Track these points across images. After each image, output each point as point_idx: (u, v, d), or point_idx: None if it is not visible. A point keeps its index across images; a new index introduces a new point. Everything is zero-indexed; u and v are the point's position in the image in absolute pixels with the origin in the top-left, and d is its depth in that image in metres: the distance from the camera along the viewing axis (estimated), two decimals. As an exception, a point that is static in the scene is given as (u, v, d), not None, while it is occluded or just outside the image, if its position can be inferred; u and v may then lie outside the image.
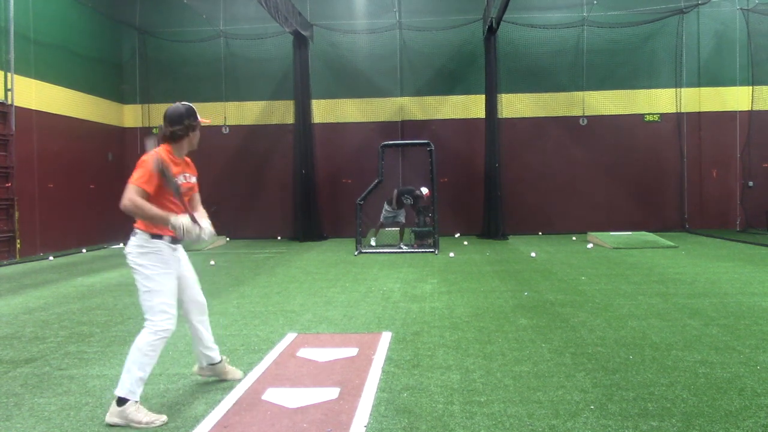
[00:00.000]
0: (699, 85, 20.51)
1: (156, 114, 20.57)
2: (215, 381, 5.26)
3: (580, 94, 20.81)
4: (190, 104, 4.79)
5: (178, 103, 4.80)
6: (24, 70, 16.25)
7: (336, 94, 21.20)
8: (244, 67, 21.31)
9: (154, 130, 20.13)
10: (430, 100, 21.20)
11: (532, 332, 6.80)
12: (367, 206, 16.74)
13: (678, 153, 20.68)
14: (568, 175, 20.75)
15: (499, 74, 19.71)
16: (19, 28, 16.03)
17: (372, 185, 16.28)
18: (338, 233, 20.53)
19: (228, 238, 20.14)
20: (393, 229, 17.63)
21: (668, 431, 4.06)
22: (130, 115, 21.57)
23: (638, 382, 5.04)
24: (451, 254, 14.76)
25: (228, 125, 21.46)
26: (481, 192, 19.95)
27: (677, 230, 20.20)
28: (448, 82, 21.19)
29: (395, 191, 16.64)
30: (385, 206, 16.65)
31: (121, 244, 16.29)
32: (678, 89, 20.55)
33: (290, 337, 6.78)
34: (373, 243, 16.88)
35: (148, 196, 4.40)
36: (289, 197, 20.31)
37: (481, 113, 20.16)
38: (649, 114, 20.78)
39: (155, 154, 4.50)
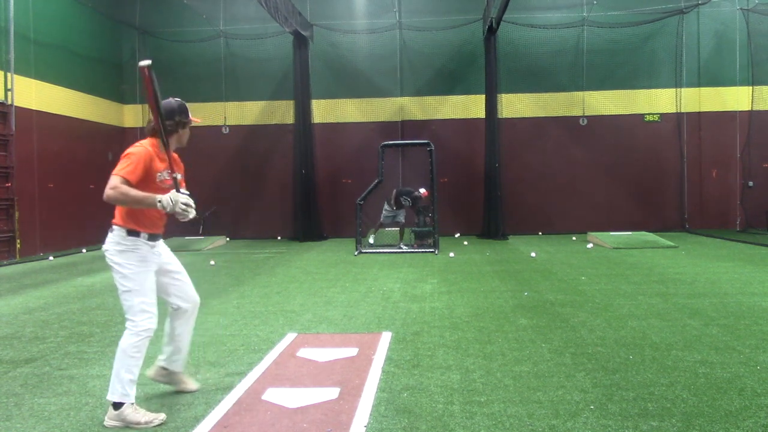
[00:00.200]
0: (699, 85, 20.52)
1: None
2: (214, 380, 5.25)
3: (580, 94, 20.82)
4: (183, 101, 4.75)
5: (170, 99, 4.77)
6: (24, 70, 16.25)
7: (336, 94, 21.21)
8: (244, 67, 21.32)
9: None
10: (430, 100, 21.21)
11: (532, 332, 6.80)
12: (367, 206, 16.74)
13: (678, 153, 20.68)
14: (568, 175, 20.76)
15: (499, 74, 19.72)
16: (19, 28, 16.03)
17: (372, 185, 16.28)
18: (338, 233, 20.53)
19: (228, 238, 20.13)
20: (393, 229, 17.63)
21: (668, 431, 4.06)
22: (130, 115, 21.58)
23: (638, 382, 5.04)
24: (452, 254, 14.77)
25: (228, 125, 21.47)
26: (481, 192, 19.95)
27: (677, 230, 20.20)
28: (448, 82, 21.19)
29: (394, 191, 16.64)
30: (385, 206, 16.65)
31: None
32: (678, 89, 20.55)
33: (290, 337, 6.78)
34: (371, 241, 16.86)
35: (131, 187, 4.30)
36: (289, 197, 20.31)
37: (481, 113, 20.17)
38: (649, 114, 20.78)
39: (142, 147, 4.45)
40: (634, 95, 20.76)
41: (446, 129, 20.97)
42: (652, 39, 20.50)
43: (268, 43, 20.92)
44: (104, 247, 4.50)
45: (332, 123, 21.22)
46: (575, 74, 20.81)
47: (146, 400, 4.74)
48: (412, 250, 15.89)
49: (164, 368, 4.90)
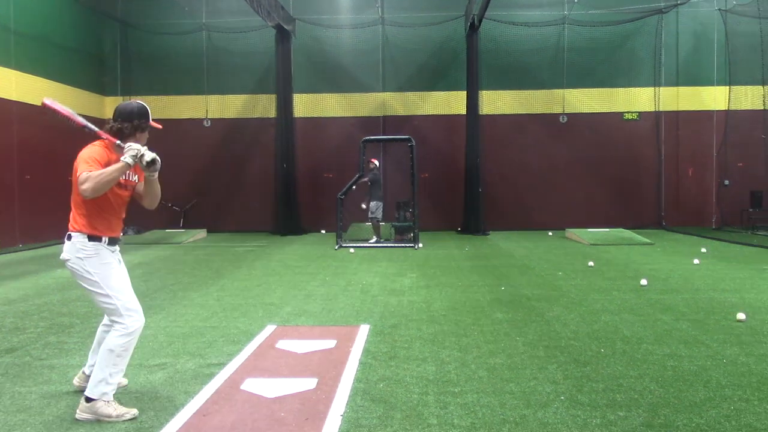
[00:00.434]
0: (677, 84, 20.79)
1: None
2: (194, 371, 5.33)
3: (560, 91, 21.02)
4: (145, 104, 4.60)
5: (132, 100, 4.67)
6: (4, 61, 16.15)
7: (318, 89, 21.24)
8: (227, 60, 21.29)
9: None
10: (412, 96, 21.31)
11: (507, 326, 6.94)
12: (348, 201, 16.81)
13: (656, 151, 20.96)
14: (547, 172, 20.95)
15: (481, 71, 19.86)
16: (0, 18, 15.92)
17: (353, 180, 16.35)
18: (319, 227, 20.59)
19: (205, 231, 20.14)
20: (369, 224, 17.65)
21: (634, 421, 4.20)
22: (111, 107, 21.35)
23: (608, 374, 5.18)
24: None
25: (209, 118, 21.44)
26: (462, 188, 20.10)
27: (654, 227, 20.47)
28: (430, 78, 21.31)
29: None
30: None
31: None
32: (657, 88, 20.82)
33: (270, 329, 6.86)
34: (373, 240, 16.76)
35: None
36: (270, 191, 20.34)
37: (462, 109, 20.31)
38: (628, 112, 21.03)
39: (93, 146, 4.40)
40: (613, 93, 20.99)
41: (427, 125, 21.09)
42: (631, 38, 20.74)
43: (251, 36, 20.91)
44: (63, 256, 4.40)
45: (314, 117, 21.26)
46: (556, 72, 21.00)
47: (125, 391, 4.80)
48: (381, 245, 15.95)
49: (87, 373, 4.79)
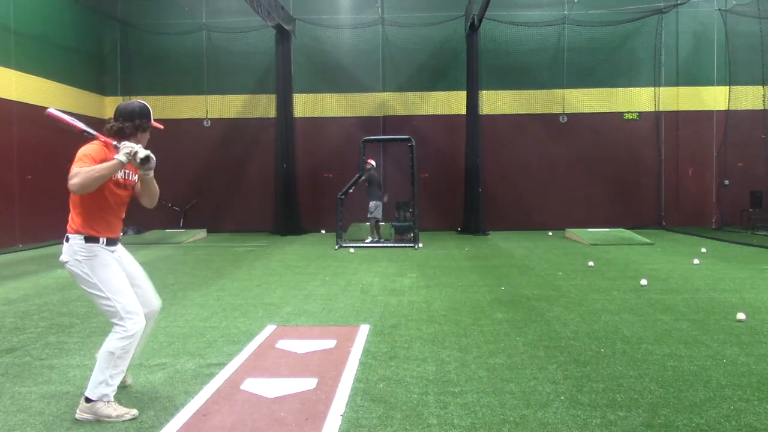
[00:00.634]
0: (677, 84, 20.80)
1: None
2: (194, 371, 5.33)
3: (560, 91, 21.02)
4: (146, 104, 4.59)
5: (133, 100, 4.64)
6: (4, 61, 16.15)
7: (318, 89, 21.24)
8: (227, 60, 21.29)
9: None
10: (412, 96, 21.32)
11: (507, 326, 6.94)
12: (348, 201, 16.81)
13: (656, 151, 20.96)
14: (547, 172, 20.96)
15: (481, 71, 19.87)
16: (0, 18, 15.92)
17: (353, 180, 16.35)
18: (319, 227, 20.59)
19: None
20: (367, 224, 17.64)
21: (634, 421, 4.20)
22: (111, 107, 21.42)
23: (608, 374, 5.18)
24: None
25: (209, 118, 21.44)
26: (462, 188, 20.10)
27: (654, 227, 20.48)
28: (430, 78, 21.31)
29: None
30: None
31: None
32: (657, 88, 20.82)
33: (270, 329, 6.86)
34: (369, 240, 16.76)
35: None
36: (270, 191, 20.35)
37: (462, 109, 20.31)
38: (628, 112, 21.04)
39: (93, 144, 4.38)
40: (613, 93, 20.99)
41: (427, 125, 21.09)
42: (631, 38, 20.75)
43: (251, 36, 20.91)
44: (62, 258, 4.38)
45: (314, 117, 21.26)
46: (556, 72, 21.01)
47: (125, 390, 4.80)
48: (378, 245, 15.97)
49: None
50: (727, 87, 20.22)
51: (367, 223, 17.49)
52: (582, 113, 21.02)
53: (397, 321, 7.22)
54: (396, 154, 20.01)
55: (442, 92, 21.24)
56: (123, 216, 4.59)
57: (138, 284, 4.64)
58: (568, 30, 20.80)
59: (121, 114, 4.47)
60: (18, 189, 16.54)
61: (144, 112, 4.52)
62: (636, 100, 20.97)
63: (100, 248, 4.34)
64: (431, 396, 4.70)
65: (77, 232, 4.32)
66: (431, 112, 21.28)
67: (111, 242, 4.43)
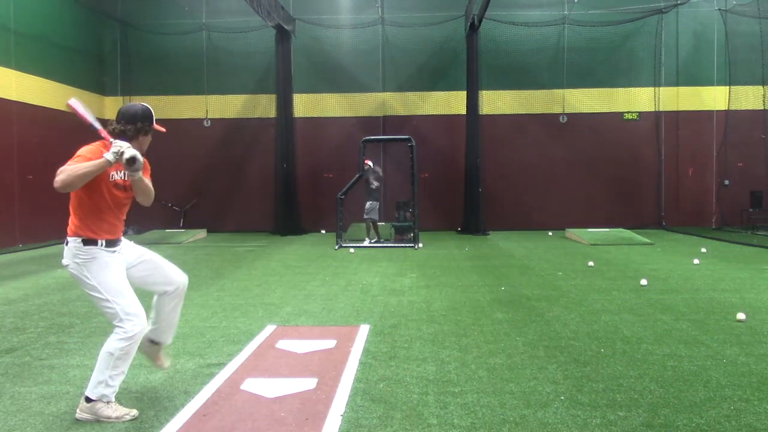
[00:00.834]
0: (677, 84, 20.80)
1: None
2: (194, 371, 5.33)
3: (560, 91, 21.02)
4: (148, 107, 4.55)
5: (136, 102, 4.62)
6: (4, 61, 16.15)
7: (318, 89, 21.24)
8: (227, 60, 21.29)
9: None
10: (412, 96, 21.32)
11: (507, 326, 6.94)
12: (348, 201, 16.80)
13: (656, 151, 20.96)
14: (547, 172, 20.95)
15: (481, 71, 19.86)
16: (0, 18, 15.92)
17: (353, 180, 16.35)
18: (319, 227, 20.59)
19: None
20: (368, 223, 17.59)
21: (634, 421, 4.20)
22: (111, 107, 21.42)
23: (608, 374, 5.18)
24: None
25: (209, 118, 21.44)
26: (462, 188, 20.10)
27: (654, 227, 20.47)
28: (430, 78, 21.32)
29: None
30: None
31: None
32: (657, 88, 20.82)
33: (270, 329, 6.86)
34: (367, 242, 16.68)
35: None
36: (270, 191, 20.35)
37: (462, 109, 20.31)
38: (628, 112, 21.04)
39: (92, 145, 4.35)
40: (613, 93, 20.99)
41: (427, 125, 21.09)
42: (631, 38, 20.75)
43: (251, 36, 20.90)
44: (63, 261, 4.37)
45: (314, 117, 21.26)
46: (556, 72, 21.01)
47: (126, 390, 4.79)
48: (381, 245, 15.96)
49: (150, 339, 4.78)
50: (727, 87, 20.22)
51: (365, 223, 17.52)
52: (582, 113, 21.02)
53: (397, 321, 7.22)
54: (396, 154, 20.01)
55: (442, 92, 21.24)
56: (124, 217, 4.56)
57: (153, 266, 4.65)
58: (568, 30, 20.80)
59: (123, 116, 4.43)
60: (18, 189, 16.54)
61: (146, 115, 4.48)
62: (636, 100, 20.98)
63: (98, 250, 4.31)
64: (431, 396, 4.70)
65: (76, 234, 4.30)
66: (431, 112, 21.28)
67: (111, 244, 4.38)
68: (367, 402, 4.58)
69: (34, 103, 17.27)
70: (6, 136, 16.11)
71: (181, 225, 20.46)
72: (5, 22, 16.17)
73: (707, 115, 20.77)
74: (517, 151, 21.02)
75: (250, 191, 21.19)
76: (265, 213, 20.57)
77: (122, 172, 4.37)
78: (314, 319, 7.46)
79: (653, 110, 20.90)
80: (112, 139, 4.25)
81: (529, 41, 20.68)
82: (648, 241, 16.15)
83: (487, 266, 12.03)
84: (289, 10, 20.60)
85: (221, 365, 5.51)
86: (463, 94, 20.24)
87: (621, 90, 20.98)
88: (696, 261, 12.23)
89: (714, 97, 20.64)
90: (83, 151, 4.27)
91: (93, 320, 7.33)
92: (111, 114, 21.32)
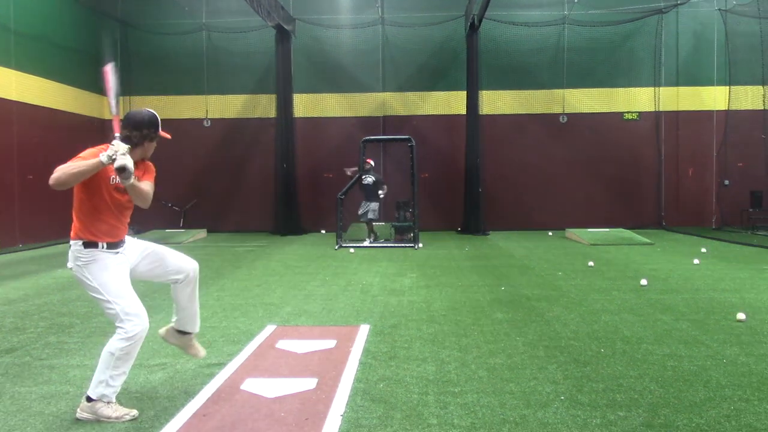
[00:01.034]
0: (677, 84, 20.79)
1: (136, 106, 20.48)
2: (194, 371, 5.34)
3: (560, 91, 21.02)
4: (155, 114, 4.56)
5: (143, 109, 4.61)
6: (4, 61, 16.15)
7: (318, 89, 21.24)
8: (227, 60, 21.28)
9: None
10: (412, 96, 21.32)
11: (507, 326, 6.94)
12: (348, 201, 16.80)
13: (656, 151, 20.96)
14: (547, 172, 20.95)
15: (481, 71, 19.86)
16: (0, 18, 15.93)
17: (353, 180, 16.35)
18: (319, 227, 20.59)
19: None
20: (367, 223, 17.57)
21: (634, 421, 4.20)
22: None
23: (608, 374, 5.18)
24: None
25: (209, 118, 21.44)
26: (462, 188, 20.10)
27: (654, 227, 20.47)
28: (430, 78, 21.31)
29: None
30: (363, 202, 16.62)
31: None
32: (657, 88, 20.82)
33: (270, 329, 6.87)
34: (367, 242, 16.62)
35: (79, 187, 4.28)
36: (270, 191, 20.35)
37: (462, 109, 20.31)
38: (628, 112, 21.04)
39: (95, 148, 4.36)
40: (613, 93, 20.99)
41: (427, 125, 21.09)
42: (631, 38, 20.74)
43: (251, 36, 20.90)
44: (68, 264, 4.42)
45: (314, 117, 21.26)
46: (555, 72, 21.01)
47: (125, 390, 4.78)
48: (381, 245, 15.96)
49: (177, 330, 4.98)
50: (727, 87, 20.21)
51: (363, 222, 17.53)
52: (582, 113, 21.01)
53: (397, 321, 7.23)
54: (396, 154, 20.01)
55: (442, 92, 21.24)
56: (127, 220, 4.58)
57: (159, 258, 4.72)
58: (568, 30, 20.80)
59: (129, 122, 4.43)
60: (18, 189, 16.54)
61: (153, 123, 4.50)
62: (636, 100, 20.97)
63: (99, 252, 4.34)
64: (431, 396, 4.70)
65: (77, 237, 4.34)
66: (431, 112, 21.28)
67: (112, 246, 4.42)
68: (367, 402, 4.58)
69: (34, 103, 17.27)
70: (6, 136, 16.11)
71: (181, 225, 20.45)
72: (5, 22, 16.17)
73: (707, 115, 20.77)
74: (517, 151, 21.01)
75: (250, 191, 21.19)
76: (265, 213, 20.57)
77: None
78: (314, 319, 7.46)
79: (653, 110, 20.90)
80: (114, 141, 4.24)
81: (529, 41, 20.68)
82: (648, 241, 16.15)
83: (487, 266, 12.03)
84: (289, 10, 20.60)
85: (221, 365, 5.51)
86: (463, 94, 20.24)
87: (621, 90, 20.98)
88: (696, 261, 12.24)
89: (714, 97, 20.64)
90: (85, 152, 4.30)
91: (93, 320, 7.33)
92: (111, 115, 21.29)
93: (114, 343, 4.28)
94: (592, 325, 6.90)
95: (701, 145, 20.85)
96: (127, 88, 21.14)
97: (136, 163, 4.30)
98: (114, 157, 4.10)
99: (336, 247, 15.47)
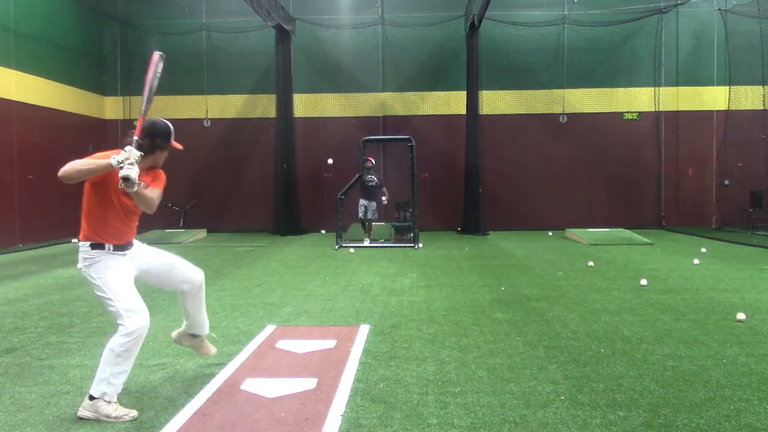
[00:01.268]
0: (677, 84, 20.80)
1: (137, 106, 20.45)
2: (194, 371, 5.34)
3: (560, 91, 21.02)
4: (170, 125, 4.64)
5: (159, 119, 4.66)
6: (4, 61, 16.15)
7: (318, 89, 21.24)
8: (227, 60, 21.29)
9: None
10: (412, 96, 21.32)
11: (507, 326, 6.94)
12: (348, 201, 16.79)
13: (656, 151, 20.96)
14: (547, 172, 20.95)
15: (481, 71, 19.86)
16: (0, 18, 15.93)
17: (353, 180, 16.35)
18: (319, 227, 20.59)
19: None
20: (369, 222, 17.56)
21: (634, 421, 4.20)
22: (111, 107, 21.48)
23: (608, 374, 5.18)
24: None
25: (209, 118, 21.44)
26: (462, 188, 20.10)
27: (654, 227, 20.47)
28: (430, 78, 21.32)
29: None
30: (361, 201, 16.59)
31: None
32: (657, 88, 20.82)
33: (270, 329, 6.87)
34: (367, 243, 16.58)
35: (88, 185, 4.35)
36: (270, 191, 20.35)
37: (462, 110, 20.31)
38: (628, 112, 21.04)
39: (107, 152, 4.36)
40: (613, 93, 20.99)
41: (427, 125, 21.09)
42: (631, 38, 20.75)
43: (251, 36, 20.91)
44: (78, 266, 4.53)
45: (314, 117, 21.26)
46: (556, 72, 21.01)
47: (125, 390, 4.78)
48: (381, 245, 15.96)
49: (189, 333, 5.21)
50: (727, 87, 20.22)
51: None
52: (582, 113, 21.02)
53: (397, 321, 7.22)
54: (396, 154, 20.00)
55: (442, 92, 21.24)
56: (135, 224, 4.66)
57: (169, 267, 4.85)
58: (568, 30, 20.80)
59: (143, 130, 4.47)
60: (18, 189, 16.54)
61: (166, 134, 4.60)
62: (636, 100, 20.97)
63: (105, 253, 4.44)
64: (431, 396, 4.70)
65: (85, 238, 4.46)
66: (431, 112, 21.28)
67: (118, 248, 4.51)
68: (367, 402, 4.58)
69: (34, 103, 17.27)
70: (6, 136, 16.12)
71: (181, 225, 20.45)
72: (5, 22, 16.17)
73: (707, 115, 20.77)
74: (517, 151, 21.01)
75: (250, 191, 21.19)
76: (265, 213, 20.57)
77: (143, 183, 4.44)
78: (314, 319, 7.46)
79: (653, 110, 20.90)
80: (127, 147, 4.25)
81: (529, 41, 20.69)
82: (648, 241, 16.15)
83: (487, 266, 12.02)
84: (289, 10, 20.60)
85: (221, 365, 5.51)
86: (463, 94, 20.24)
87: (621, 90, 20.98)
88: (696, 261, 12.24)
89: (714, 97, 20.64)
90: (99, 153, 4.37)
91: (93, 320, 7.33)
92: (111, 114, 21.35)
93: (115, 340, 4.34)
94: (592, 325, 6.90)
95: (701, 145, 20.86)
96: (126, 88, 21.19)
97: (145, 171, 4.42)
98: (122, 164, 4.13)
99: (336, 247, 15.47)
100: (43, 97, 17.72)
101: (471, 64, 19.77)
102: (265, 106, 21.10)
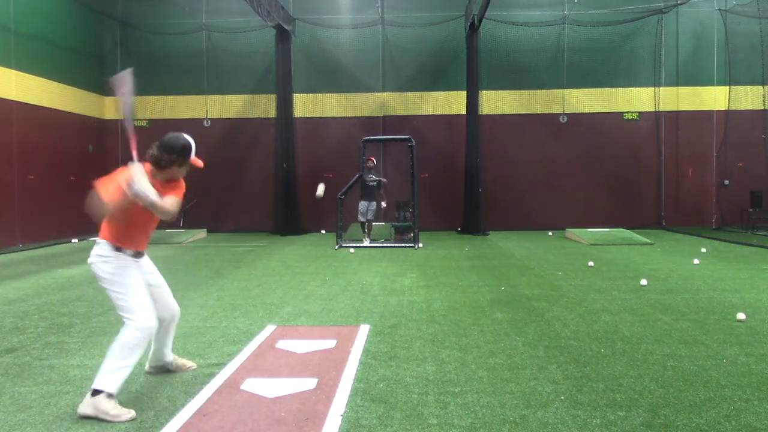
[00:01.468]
0: (677, 84, 20.79)
1: (136, 106, 20.48)
2: (194, 371, 5.34)
3: (560, 91, 21.02)
4: (191, 142, 4.72)
5: (181, 135, 4.73)
6: (4, 61, 16.14)
7: (318, 89, 21.24)
8: (227, 60, 21.29)
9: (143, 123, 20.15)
10: (412, 96, 21.31)
11: (507, 326, 6.94)
12: (348, 201, 16.79)
13: (656, 151, 20.96)
14: (547, 172, 20.95)
15: (481, 71, 19.85)
16: (0, 18, 15.93)
17: (353, 180, 16.34)
18: (319, 227, 20.59)
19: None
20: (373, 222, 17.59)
21: (634, 421, 4.20)
22: (111, 107, 21.44)
23: (608, 374, 5.18)
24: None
25: (209, 118, 21.44)
26: (462, 188, 20.09)
27: (654, 227, 20.47)
28: (430, 78, 21.31)
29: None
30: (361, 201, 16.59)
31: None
32: (657, 88, 20.81)
33: (270, 329, 6.86)
34: (366, 243, 16.56)
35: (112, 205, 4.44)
36: (270, 191, 20.35)
37: (462, 109, 20.30)
38: (628, 112, 21.04)
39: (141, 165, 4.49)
40: (613, 93, 20.99)
41: (427, 125, 21.08)
42: (631, 38, 20.74)
43: (251, 36, 20.91)
44: (89, 260, 4.62)
45: (314, 117, 21.26)
46: (556, 72, 21.01)
47: (126, 389, 4.79)
48: (381, 245, 15.96)
49: (155, 366, 5.29)
50: (727, 87, 20.22)
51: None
52: (582, 113, 21.01)
53: (397, 321, 7.22)
54: (396, 154, 20.01)
55: (442, 92, 21.24)
56: (151, 232, 4.88)
57: (159, 291, 5.00)
58: (568, 30, 20.80)
59: (163, 145, 4.61)
60: (18, 189, 16.53)
61: (185, 151, 4.69)
62: (636, 100, 20.97)
63: (123, 255, 4.61)
64: (431, 396, 4.70)
65: (105, 239, 4.60)
66: (431, 112, 21.28)
67: (137, 254, 4.73)
68: (367, 402, 4.58)
69: (34, 103, 17.27)
70: (6, 136, 16.11)
71: (181, 225, 20.43)
72: (5, 22, 16.16)
73: (707, 115, 20.77)
74: (517, 151, 21.00)
75: (250, 191, 21.19)
76: (265, 213, 20.57)
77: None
78: (314, 319, 7.46)
79: (653, 110, 20.89)
80: (131, 164, 4.40)
81: (529, 41, 20.68)
82: (648, 241, 16.15)
83: (487, 266, 12.02)
84: (289, 10, 20.60)
85: (221, 365, 5.51)
86: (463, 94, 20.24)
87: (621, 90, 20.98)
88: (696, 261, 12.24)
89: (714, 97, 20.64)
90: (113, 175, 4.51)
91: (93, 320, 7.33)
92: (111, 114, 21.34)
93: (128, 333, 4.47)
94: (592, 325, 6.90)
95: (701, 145, 20.85)
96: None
97: (164, 183, 4.63)
98: (128, 183, 4.31)
99: (336, 247, 15.47)
100: (43, 97, 17.71)
101: (471, 64, 19.77)
102: (265, 106, 21.10)
